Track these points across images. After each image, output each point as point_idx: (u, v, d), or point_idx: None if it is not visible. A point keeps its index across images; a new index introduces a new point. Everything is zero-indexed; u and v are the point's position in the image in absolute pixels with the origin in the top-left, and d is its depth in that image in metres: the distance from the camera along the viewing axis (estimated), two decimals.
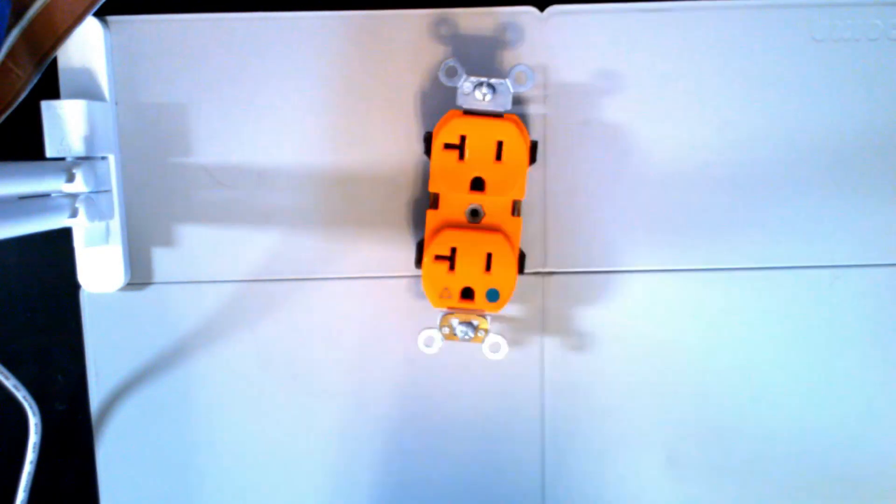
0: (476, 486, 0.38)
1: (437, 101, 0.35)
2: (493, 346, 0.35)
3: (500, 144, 0.33)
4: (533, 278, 0.37)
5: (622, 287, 0.37)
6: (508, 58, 0.35)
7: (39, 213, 0.30)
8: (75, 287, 0.36)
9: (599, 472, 0.38)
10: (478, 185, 0.33)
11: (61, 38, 0.34)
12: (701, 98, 0.36)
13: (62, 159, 0.33)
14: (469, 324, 0.34)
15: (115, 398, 0.37)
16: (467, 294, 0.34)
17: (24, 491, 0.35)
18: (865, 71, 0.35)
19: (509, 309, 0.37)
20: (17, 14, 0.33)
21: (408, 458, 0.38)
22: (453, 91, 0.33)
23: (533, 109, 0.36)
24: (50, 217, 0.31)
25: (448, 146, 0.33)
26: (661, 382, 0.37)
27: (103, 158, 0.35)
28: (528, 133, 0.35)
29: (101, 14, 0.35)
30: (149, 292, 0.37)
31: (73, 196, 0.32)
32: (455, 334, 0.34)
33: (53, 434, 0.38)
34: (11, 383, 0.33)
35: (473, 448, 0.38)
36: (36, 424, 0.35)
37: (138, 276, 0.36)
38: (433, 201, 0.34)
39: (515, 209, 0.34)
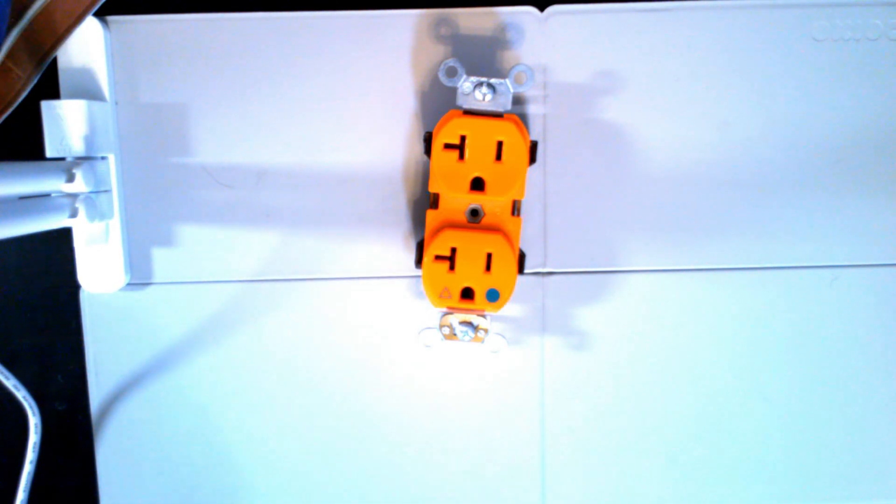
0: (476, 485, 0.38)
1: (437, 101, 0.35)
2: (493, 346, 0.35)
3: (500, 144, 0.33)
4: (533, 278, 0.37)
5: (622, 287, 0.37)
6: (508, 58, 0.35)
7: (39, 213, 0.30)
8: (75, 287, 0.36)
9: (599, 472, 0.38)
10: (478, 185, 0.33)
11: (61, 38, 0.34)
12: (701, 98, 0.36)
13: (62, 159, 0.33)
14: (469, 324, 0.34)
15: (115, 398, 0.37)
16: (467, 294, 0.34)
17: (24, 491, 0.35)
18: (865, 71, 0.35)
19: (509, 309, 0.37)
20: (17, 14, 0.33)
21: (407, 457, 0.38)
22: (453, 91, 0.33)
23: (533, 109, 0.36)
24: (50, 217, 0.31)
25: (448, 146, 0.33)
26: (661, 382, 0.37)
27: (103, 158, 0.35)
28: (528, 133, 0.35)
29: (101, 14, 0.35)
30: (149, 292, 0.37)
31: (73, 196, 0.32)
32: (455, 334, 0.34)
33: (53, 434, 0.38)
34: (11, 383, 0.33)
35: (473, 448, 0.38)
36: (36, 424, 0.35)
37: (138, 276, 0.36)
38: (433, 201, 0.34)
39: (515, 209, 0.34)
